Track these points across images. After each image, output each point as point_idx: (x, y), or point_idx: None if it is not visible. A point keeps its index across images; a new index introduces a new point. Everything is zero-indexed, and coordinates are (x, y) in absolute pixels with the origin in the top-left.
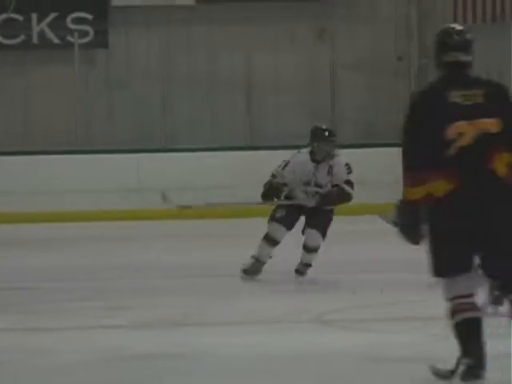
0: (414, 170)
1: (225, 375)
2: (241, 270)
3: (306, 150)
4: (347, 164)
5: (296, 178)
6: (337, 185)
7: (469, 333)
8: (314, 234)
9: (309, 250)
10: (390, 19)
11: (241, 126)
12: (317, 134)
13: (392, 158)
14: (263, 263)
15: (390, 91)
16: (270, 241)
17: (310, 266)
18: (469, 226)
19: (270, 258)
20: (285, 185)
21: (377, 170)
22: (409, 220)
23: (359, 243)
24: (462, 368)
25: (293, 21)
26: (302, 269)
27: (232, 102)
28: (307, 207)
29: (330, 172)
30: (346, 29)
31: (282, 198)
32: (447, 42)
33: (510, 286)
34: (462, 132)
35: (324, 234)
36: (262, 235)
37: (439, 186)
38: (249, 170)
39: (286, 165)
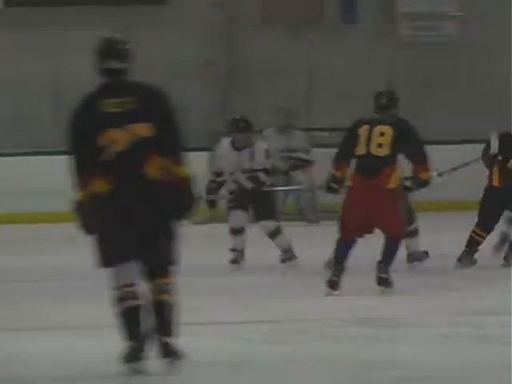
0: (78, 175)
1: (35, 380)
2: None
3: (227, 140)
4: (267, 150)
5: (225, 169)
6: (256, 170)
7: (131, 319)
8: (266, 224)
9: (272, 237)
10: (198, 23)
11: (48, 131)
12: (232, 125)
13: (201, 161)
14: (241, 251)
15: (198, 96)
16: (234, 231)
17: (289, 248)
18: (126, 222)
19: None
20: (220, 184)
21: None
22: (83, 217)
23: None
24: (125, 351)
25: (101, 25)
26: (287, 257)
27: (39, 107)
28: (249, 195)
29: (252, 158)
30: (153, 33)
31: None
32: (103, 51)
33: (153, 272)
34: (114, 139)
35: (274, 215)
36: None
37: (100, 186)
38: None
39: (216, 159)
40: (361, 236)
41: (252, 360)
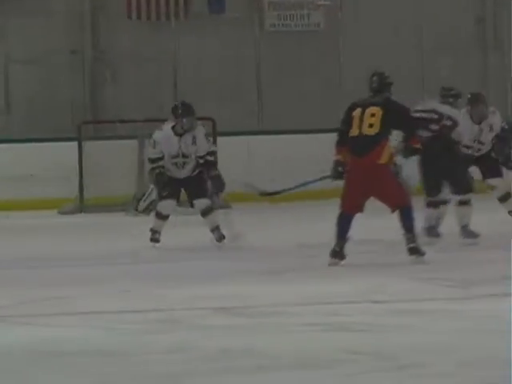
0: None
1: None
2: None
3: (167, 126)
4: (206, 134)
5: (165, 154)
6: (202, 156)
7: None
8: (199, 202)
9: (205, 214)
10: (63, 12)
11: None
12: (174, 111)
13: (69, 152)
14: (159, 232)
15: (64, 85)
16: (161, 216)
17: (218, 227)
18: None
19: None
20: (162, 167)
21: (46, 165)
22: None
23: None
24: None
25: None
26: (216, 235)
27: None
28: (184, 179)
29: (194, 142)
30: (18, 23)
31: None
32: None
33: None
34: None
35: (206, 194)
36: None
37: None
38: None
39: (154, 145)
40: (360, 211)
41: (121, 350)
